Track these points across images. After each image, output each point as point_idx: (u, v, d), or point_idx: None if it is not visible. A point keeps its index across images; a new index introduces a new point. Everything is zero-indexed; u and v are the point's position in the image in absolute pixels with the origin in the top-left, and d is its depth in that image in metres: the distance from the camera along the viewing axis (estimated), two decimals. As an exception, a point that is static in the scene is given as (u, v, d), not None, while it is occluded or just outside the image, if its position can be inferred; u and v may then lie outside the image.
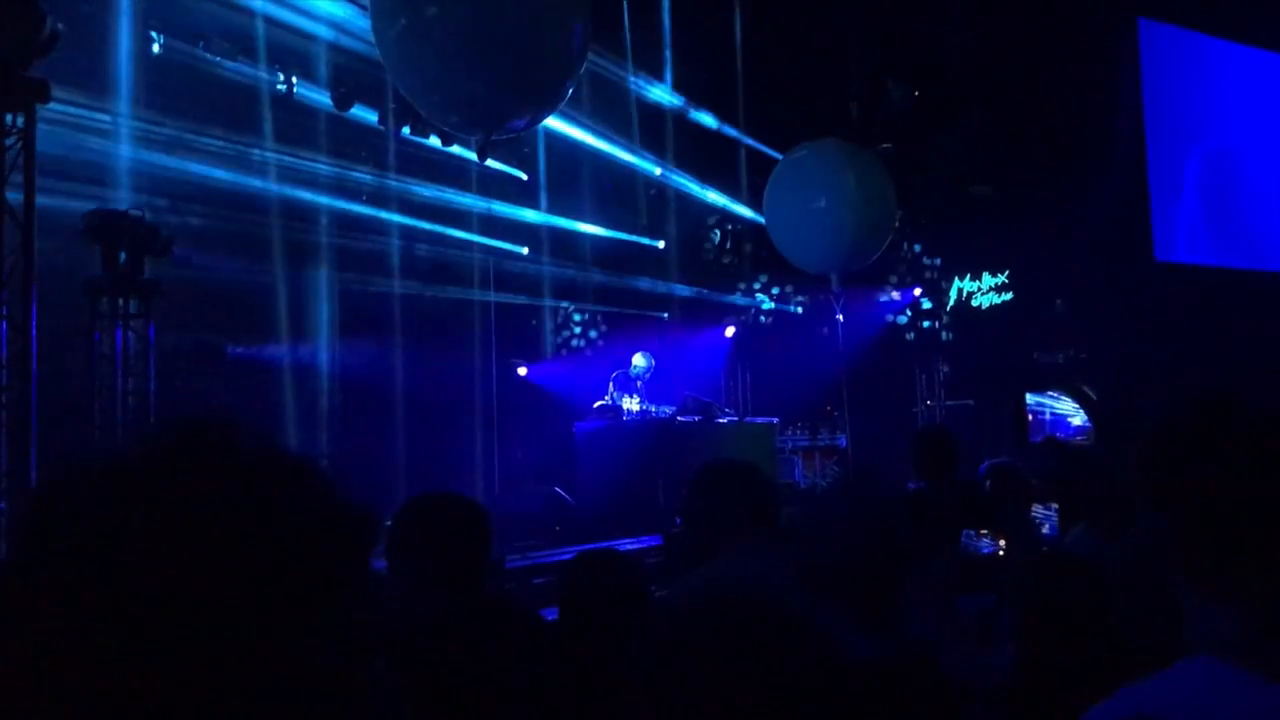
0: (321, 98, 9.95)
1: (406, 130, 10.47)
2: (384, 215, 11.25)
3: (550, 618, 3.00)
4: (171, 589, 0.63)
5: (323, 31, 9.37)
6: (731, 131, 13.22)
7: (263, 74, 9.41)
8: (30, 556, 0.66)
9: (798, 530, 2.43)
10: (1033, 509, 4.41)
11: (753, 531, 2.74)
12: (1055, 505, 4.28)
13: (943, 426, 5.40)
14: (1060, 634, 2.30)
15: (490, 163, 10.86)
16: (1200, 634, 1.26)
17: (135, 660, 0.62)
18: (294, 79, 9.55)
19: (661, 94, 12.06)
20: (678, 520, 3.32)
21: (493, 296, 12.54)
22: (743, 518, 2.78)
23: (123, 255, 7.34)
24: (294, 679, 0.65)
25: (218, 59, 8.92)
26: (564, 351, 13.94)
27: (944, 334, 14.57)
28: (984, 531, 4.33)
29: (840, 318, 12.84)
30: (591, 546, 3.38)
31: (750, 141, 13.41)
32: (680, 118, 12.55)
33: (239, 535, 0.66)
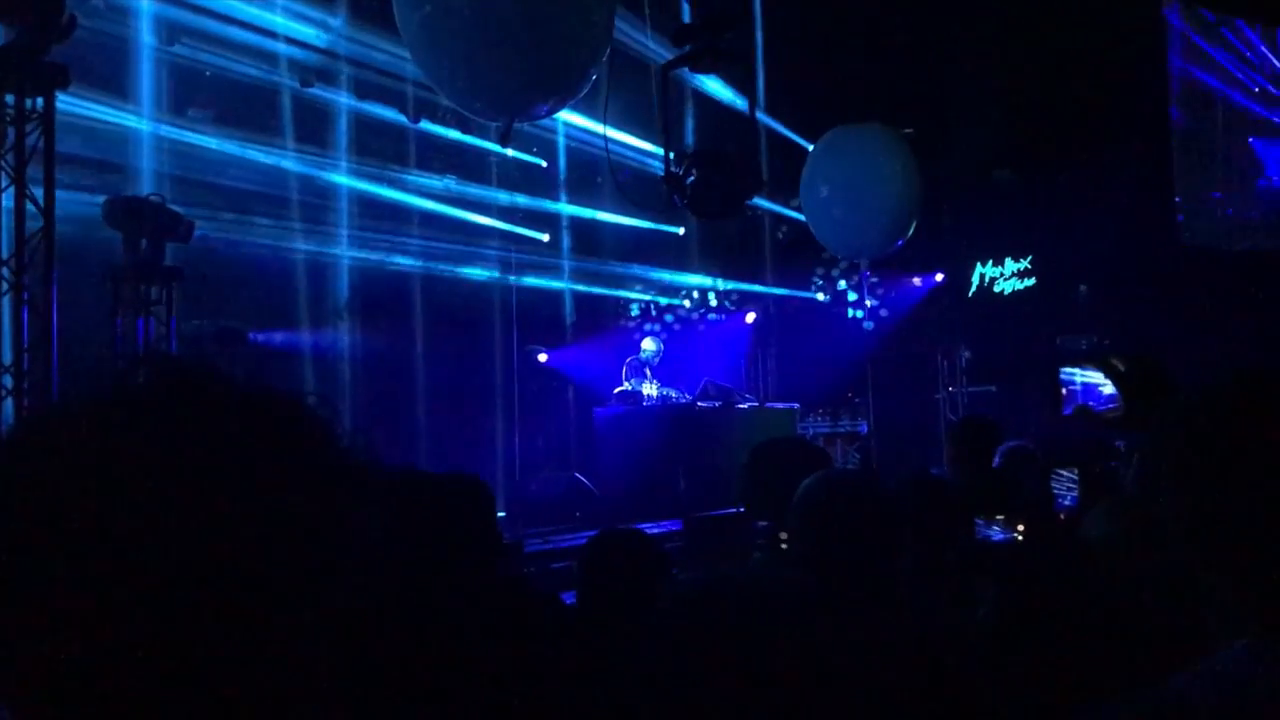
0: (340, 97, 10.03)
1: (426, 122, 10.54)
2: (404, 200, 11.27)
3: (568, 601, 2.98)
4: (148, 531, 0.60)
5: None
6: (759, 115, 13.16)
7: (282, 65, 9.47)
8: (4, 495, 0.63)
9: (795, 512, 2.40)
10: (1052, 477, 4.36)
11: None
12: (1075, 471, 4.23)
13: (985, 417, 5.41)
14: (1033, 613, 2.29)
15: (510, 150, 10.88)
16: (1225, 616, 1.22)
17: (113, 607, 0.59)
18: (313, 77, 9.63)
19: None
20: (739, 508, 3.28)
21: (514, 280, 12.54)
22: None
23: (144, 241, 7.35)
24: (284, 621, 0.62)
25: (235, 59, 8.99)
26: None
27: (866, 323, 14.34)
28: (999, 517, 4.29)
29: (868, 303, 12.80)
30: (613, 527, 3.35)
31: (773, 124, 13.33)
32: (701, 99, 12.48)
33: (222, 475, 0.63)
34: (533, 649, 2.12)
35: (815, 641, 1.19)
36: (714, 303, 14.41)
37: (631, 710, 1.28)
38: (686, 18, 11.03)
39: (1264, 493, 1.17)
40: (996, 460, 5.50)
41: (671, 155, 6.80)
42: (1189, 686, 1.20)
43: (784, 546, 2.90)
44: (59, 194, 5.98)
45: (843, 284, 14.48)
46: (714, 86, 12.71)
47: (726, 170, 6.78)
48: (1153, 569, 2.20)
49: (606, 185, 12.90)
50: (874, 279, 14.14)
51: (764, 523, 3.47)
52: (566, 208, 12.77)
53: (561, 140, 12.29)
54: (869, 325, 14.16)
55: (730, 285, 14.29)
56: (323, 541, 0.66)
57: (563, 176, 12.54)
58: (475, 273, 12.16)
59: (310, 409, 0.71)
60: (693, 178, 6.66)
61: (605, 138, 6.96)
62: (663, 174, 6.77)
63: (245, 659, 0.61)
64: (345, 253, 10.70)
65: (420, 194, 11.41)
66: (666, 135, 6.86)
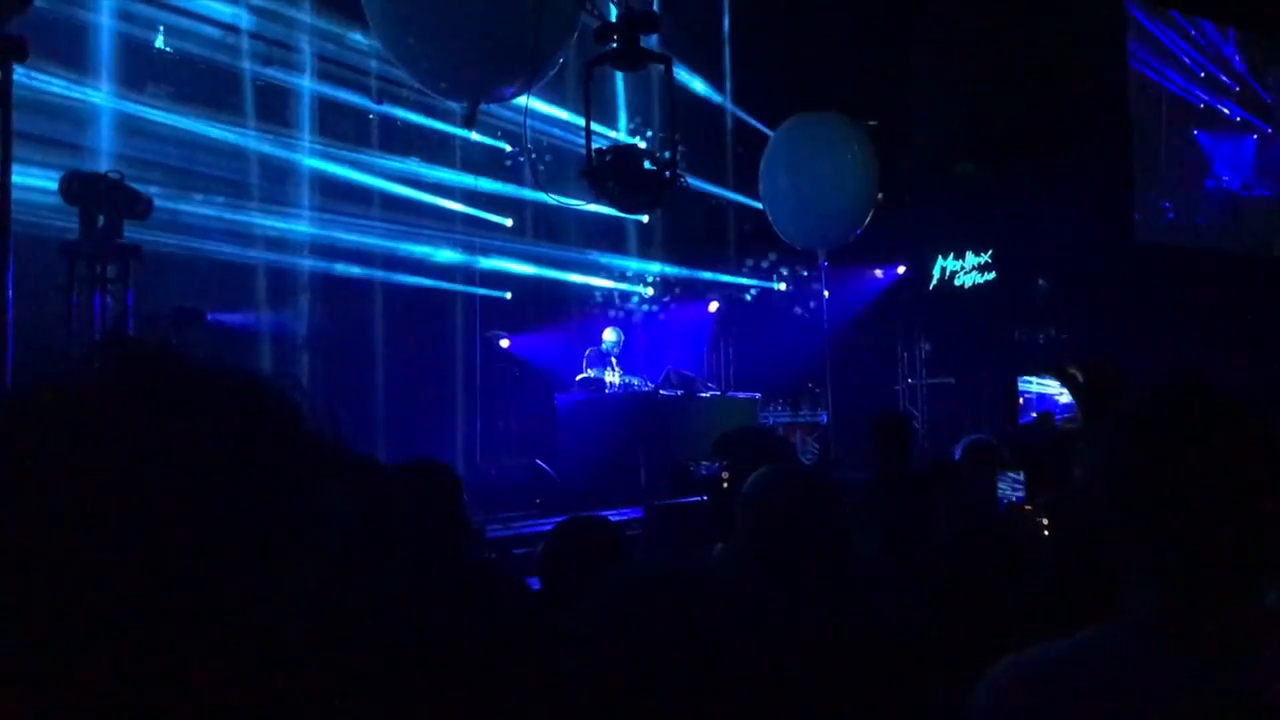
0: (302, 79, 9.97)
1: (390, 107, 10.52)
2: (366, 182, 11.17)
3: (533, 587, 2.97)
4: (115, 519, 0.58)
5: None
6: (719, 100, 13.20)
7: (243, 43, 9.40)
8: None
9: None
10: (998, 476, 4.41)
11: None
12: (1021, 473, 4.29)
13: (900, 413, 5.53)
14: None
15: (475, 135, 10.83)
16: (1130, 609, 1.32)
17: (70, 609, 0.57)
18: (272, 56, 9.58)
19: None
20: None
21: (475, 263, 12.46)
22: None
23: (101, 218, 7.22)
24: (252, 614, 0.61)
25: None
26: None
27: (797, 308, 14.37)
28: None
29: (826, 294, 12.84)
30: (578, 515, 3.35)
31: (739, 112, 13.38)
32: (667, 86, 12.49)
33: (192, 459, 0.61)
34: (500, 633, 2.11)
35: (760, 632, 1.20)
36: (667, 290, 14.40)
37: (578, 696, 1.29)
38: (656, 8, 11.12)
39: (1176, 500, 1.26)
40: (958, 454, 5.54)
41: (593, 150, 6.98)
42: (1066, 654, 1.31)
43: (725, 486, 2.94)
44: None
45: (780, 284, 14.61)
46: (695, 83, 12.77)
47: (645, 165, 6.94)
48: (1084, 557, 2.25)
49: (571, 171, 12.89)
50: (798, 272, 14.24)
51: (707, 464, 3.51)
52: (530, 193, 12.70)
53: (526, 123, 12.24)
54: (799, 311, 14.23)
55: (690, 274, 14.27)
56: (295, 523, 0.65)
57: (526, 160, 12.46)
58: (436, 255, 12.08)
59: (278, 390, 0.69)
60: (611, 173, 6.82)
61: (526, 117, 7.04)
62: (583, 167, 6.93)
63: (214, 645, 0.60)
64: (306, 231, 10.59)
65: (382, 176, 11.33)
66: (588, 131, 7.01)
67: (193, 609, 0.59)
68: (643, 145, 12.68)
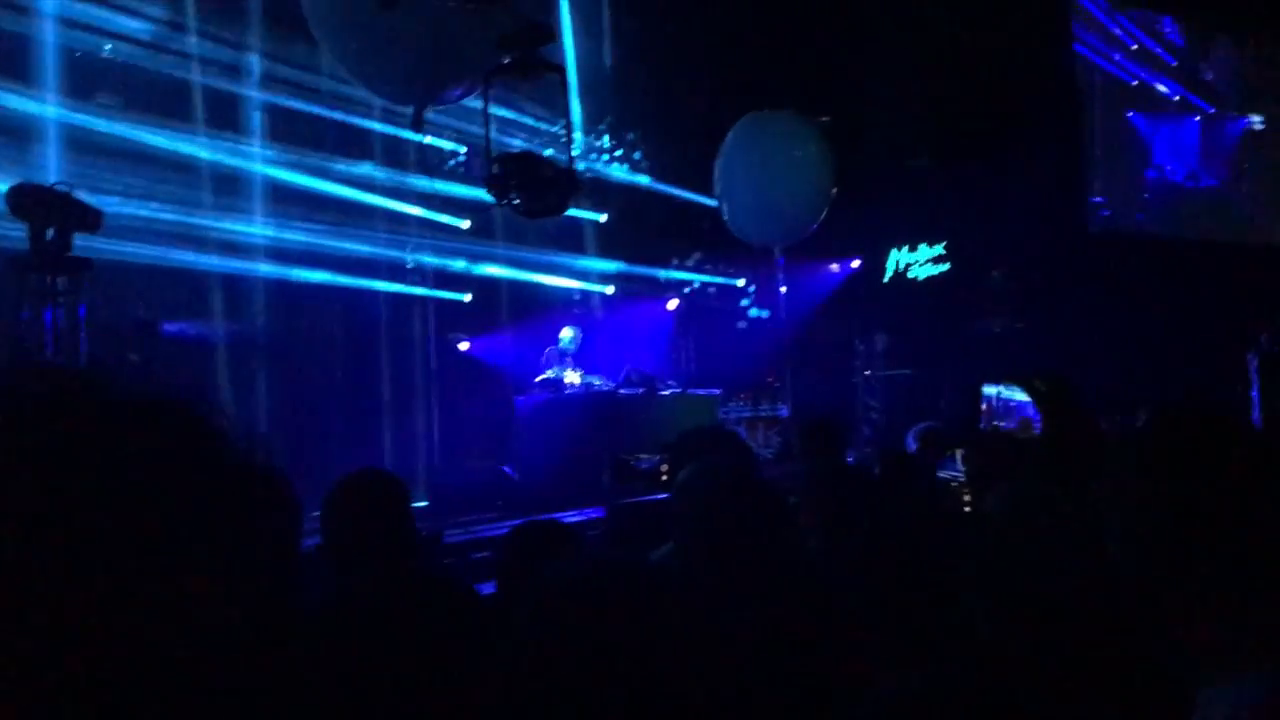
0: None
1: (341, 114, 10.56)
2: (320, 187, 11.10)
3: (488, 592, 3.00)
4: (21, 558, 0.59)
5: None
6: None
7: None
8: None
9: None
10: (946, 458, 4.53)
11: None
12: (959, 451, 4.40)
13: (827, 415, 5.65)
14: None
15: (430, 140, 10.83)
16: (1217, 655, 1.22)
17: None
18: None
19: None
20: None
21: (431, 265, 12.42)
22: None
23: (50, 231, 7.15)
24: (171, 644, 0.61)
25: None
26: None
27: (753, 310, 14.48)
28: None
29: (783, 289, 12.93)
30: (533, 518, 3.38)
31: (693, 114, 13.39)
32: (621, 85, 12.53)
33: (115, 488, 0.61)
34: (444, 644, 2.13)
35: (692, 621, 1.23)
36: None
37: (519, 690, 1.31)
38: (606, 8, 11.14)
39: (1246, 544, 1.20)
40: (912, 442, 5.62)
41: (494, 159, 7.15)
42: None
43: (664, 479, 3.01)
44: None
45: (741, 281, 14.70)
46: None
47: (541, 173, 7.13)
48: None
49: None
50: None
51: (646, 457, 3.57)
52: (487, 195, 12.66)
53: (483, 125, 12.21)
54: (764, 313, 14.29)
55: (648, 272, 14.29)
56: (210, 546, 0.65)
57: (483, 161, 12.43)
58: (393, 258, 12.03)
59: (201, 413, 0.70)
60: (513, 180, 6.99)
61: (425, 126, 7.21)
62: (485, 177, 7.14)
63: (128, 670, 0.60)
64: (261, 235, 10.50)
65: (337, 180, 11.26)
66: (487, 141, 7.17)
67: (106, 631, 0.59)
68: (607, 144, 12.76)
